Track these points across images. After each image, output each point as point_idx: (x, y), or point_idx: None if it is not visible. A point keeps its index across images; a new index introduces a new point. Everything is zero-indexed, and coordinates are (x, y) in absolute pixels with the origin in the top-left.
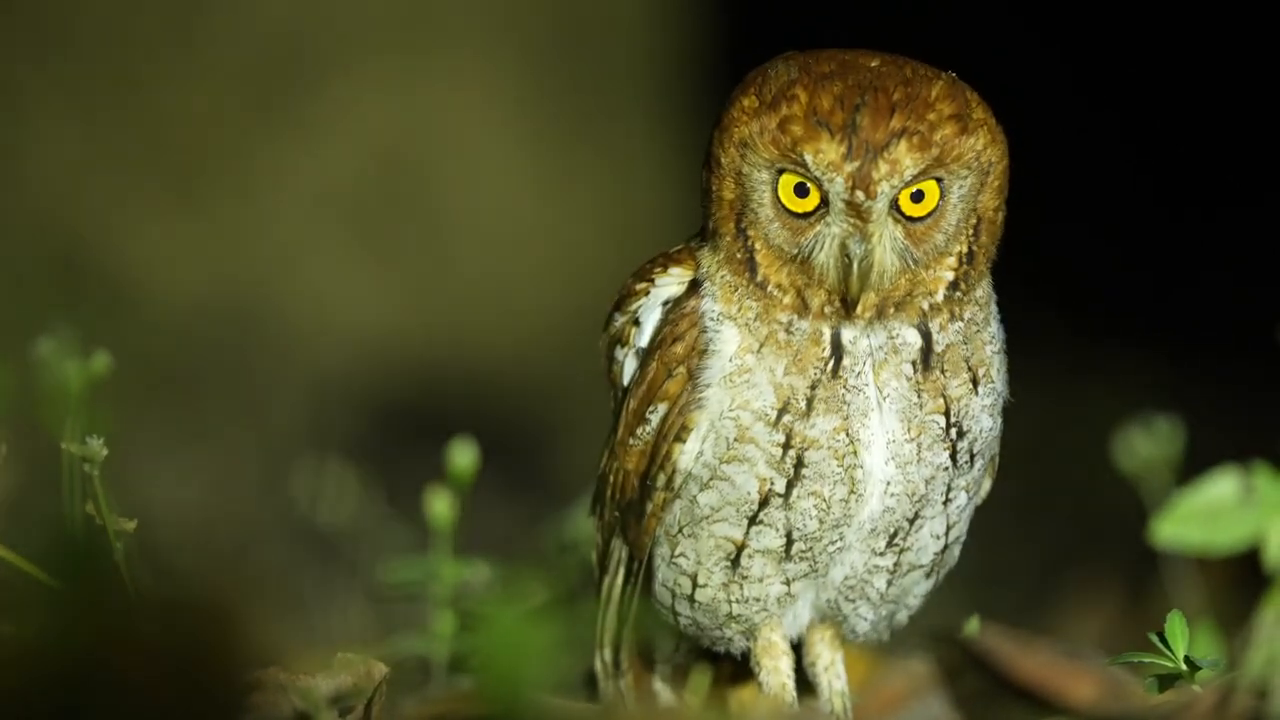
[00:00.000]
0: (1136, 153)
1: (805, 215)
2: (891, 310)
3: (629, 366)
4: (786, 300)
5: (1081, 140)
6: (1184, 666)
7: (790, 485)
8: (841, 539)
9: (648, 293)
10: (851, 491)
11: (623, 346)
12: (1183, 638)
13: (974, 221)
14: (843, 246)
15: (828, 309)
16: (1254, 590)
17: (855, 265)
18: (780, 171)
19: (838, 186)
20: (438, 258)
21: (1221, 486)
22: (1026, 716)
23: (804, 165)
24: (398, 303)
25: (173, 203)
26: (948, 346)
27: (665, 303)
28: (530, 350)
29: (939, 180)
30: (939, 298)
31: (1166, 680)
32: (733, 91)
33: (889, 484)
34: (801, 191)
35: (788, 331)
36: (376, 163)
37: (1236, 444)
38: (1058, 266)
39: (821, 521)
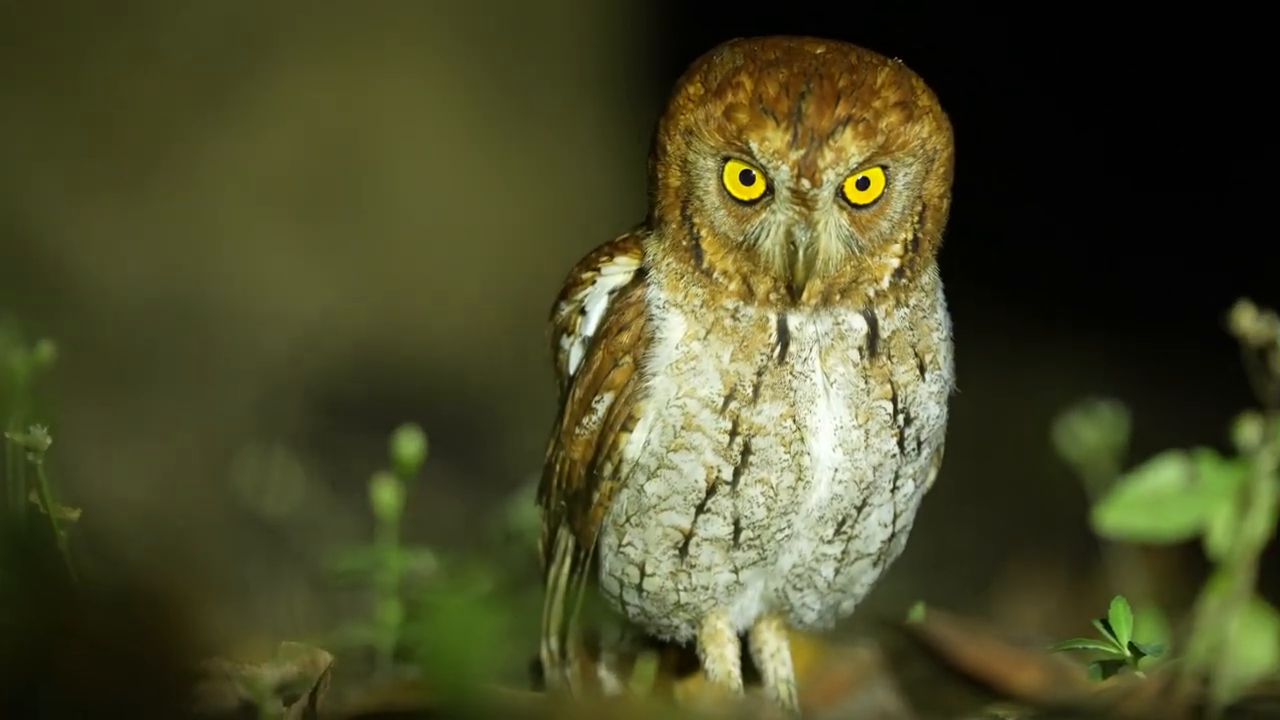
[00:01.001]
0: (1083, 139)
1: (751, 202)
2: (837, 297)
3: (575, 355)
4: (732, 287)
5: (1029, 127)
6: (1128, 653)
7: (738, 473)
8: (790, 527)
9: (594, 282)
10: (799, 479)
11: (569, 335)
12: (1126, 624)
13: (919, 209)
14: (788, 234)
15: (773, 296)
16: (1197, 577)
17: (801, 252)
18: (726, 159)
19: (783, 174)
20: (382, 247)
21: (1166, 473)
22: (972, 703)
23: (749, 153)
24: (343, 292)
25: (117, 191)
26: (894, 333)
27: (611, 292)
28: (474, 338)
29: (884, 168)
30: (884, 284)
31: (1110, 666)
32: (678, 79)
33: (836, 471)
34: (747, 179)
35: (734, 318)
36: (321, 151)
37: (1180, 431)
38: (1003, 252)
39: (769, 509)
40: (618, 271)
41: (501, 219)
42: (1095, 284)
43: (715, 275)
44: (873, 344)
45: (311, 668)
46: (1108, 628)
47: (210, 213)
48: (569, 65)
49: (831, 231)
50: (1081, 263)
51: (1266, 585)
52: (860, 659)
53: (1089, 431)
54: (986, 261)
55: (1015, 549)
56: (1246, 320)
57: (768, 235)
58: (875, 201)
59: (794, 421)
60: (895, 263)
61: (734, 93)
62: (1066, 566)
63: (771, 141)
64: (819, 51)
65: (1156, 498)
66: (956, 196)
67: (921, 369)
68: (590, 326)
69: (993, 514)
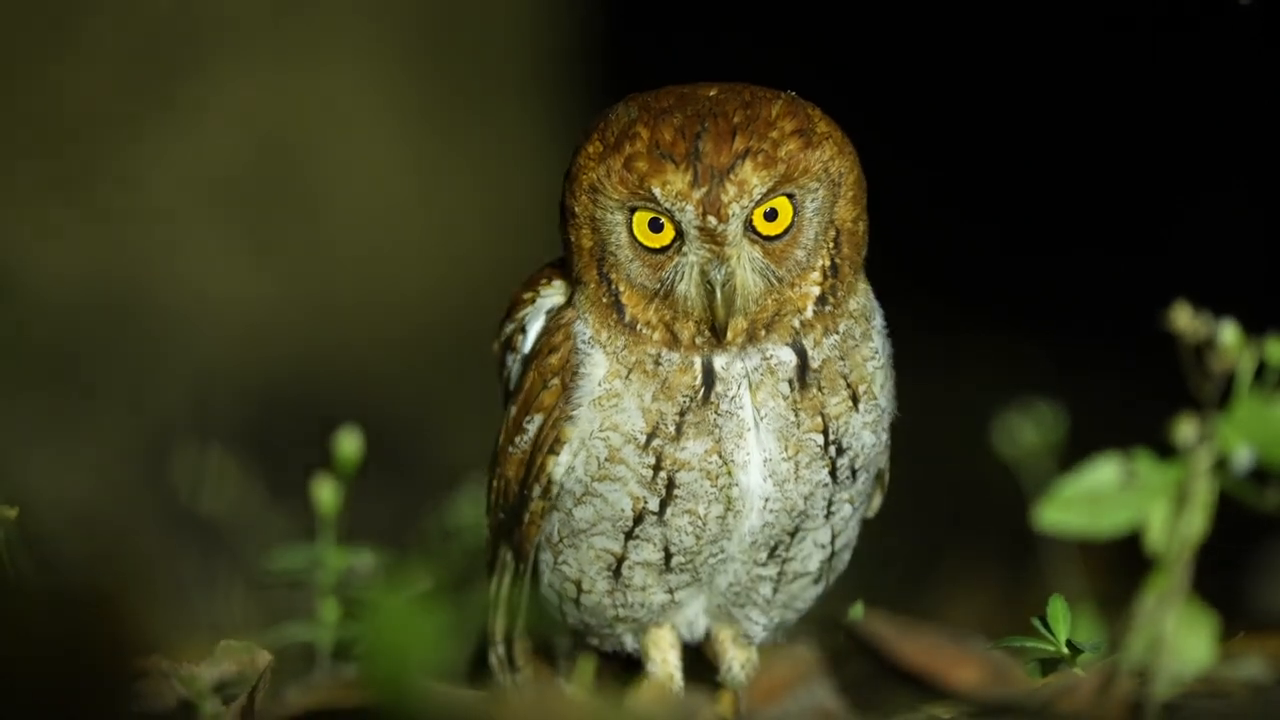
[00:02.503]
0: (1014, 135)
1: (663, 250)
2: (762, 332)
3: (516, 373)
4: (656, 336)
5: (959, 124)
6: (1065, 650)
7: (664, 504)
8: (722, 552)
9: (533, 301)
10: (728, 509)
11: (512, 353)
12: (1064, 621)
13: (833, 234)
14: (703, 273)
15: (698, 340)
16: (1134, 574)
17: (718, 290)
18: (633, 210)
19: (689, 214)
20: (318, 243)
21: (1104, 471)
22: (911, 701)
23: (654, 199)
24: (278, 289)
25: (51, 190)
26: (824, 362)
27: (549, 311)
28: (413, 337)
29: (790, 196)
30: (808, 314)
31: (1048, 664)
32: (578, 141)
33: (767, 500)
34: (656, 226)
35: (656, 362)
36: (256, 148)
37: (1117, 430)
38: (936, 250)
39: (698, 538)
40: (555, 293)
41: (441, 219)
42: (1032, 280)
43: (639, 328)
44: (803, 375)
45: (250, 667)
46: (1045, 625)
47: (146, 211)
48: (505, 60)
49: (746, 265)
50: (1018, 259)
51: (1203, 583)
52: (800, 657)
53: (1026, 430)
54: (921, 257)
55: (952, 547)
56: (1183, 319)
57: (683, 278)
58: (786, 231)
59: (720, 457)
60: (816, 290)
61: (631, 143)
62: (1003, 565)
63: (673, 184)
64: (711, 94)
65: (1094, 495)
66: (890, 193)
67: (854, 399)
68: (528, 344)
69: (929, 512)
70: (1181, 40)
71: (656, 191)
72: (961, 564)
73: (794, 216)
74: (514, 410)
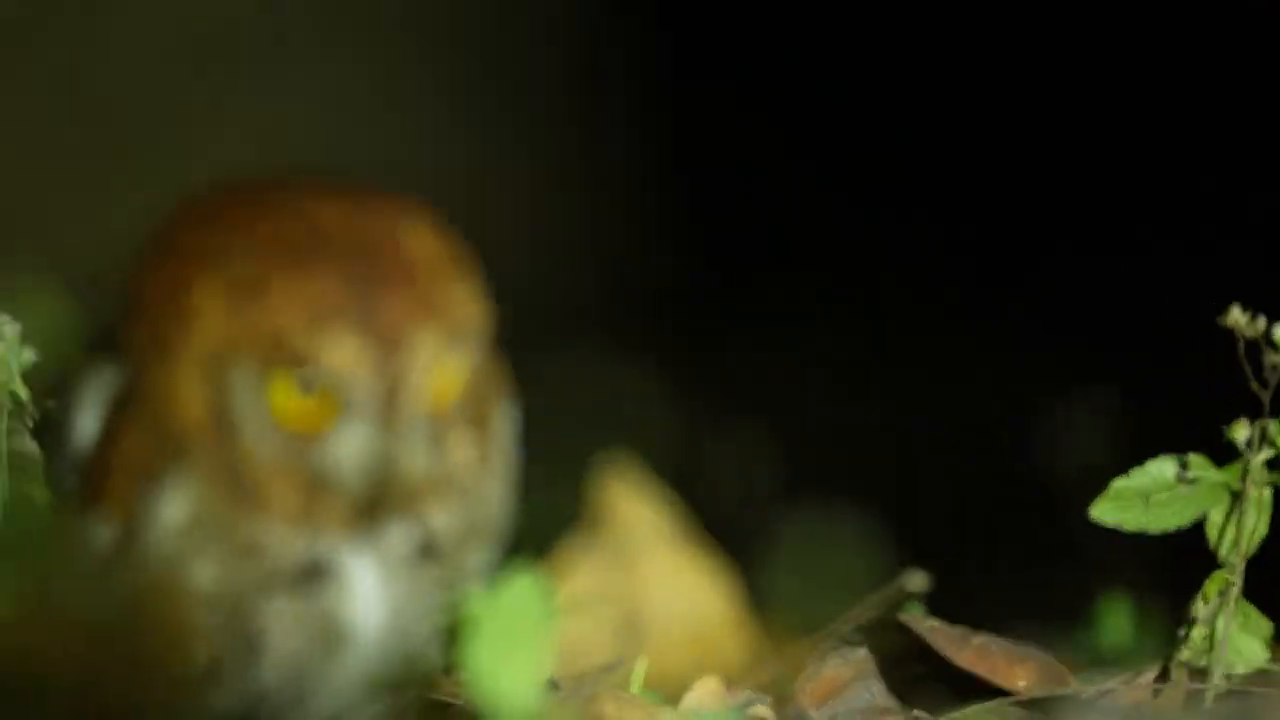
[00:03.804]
0: (1030, 140)
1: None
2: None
3: None
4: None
5: (963, 127)
6: (1121, 647)
7: None
8: None
9: None
10: None
11: None
12: (1118, 619)
13: None
14: None
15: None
16: (1185, 574)
17: None
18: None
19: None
20: None
21: (1159, 468)
22: (967, 699)
23: None
24: None
25: (81, 190)
26: None
27: None
28: None
29: None
30: None
31: (1103, 661)
32: None
33: None
34: None
35: None
36: (287, 150)
37: (1167, 430)
38: (972, 238)
39: None
40: None
41: (474, 218)
42: (1073, 278)
43: None
44: None
45: None
46: (1099, 623)
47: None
48: (522, 69)
49: None
50: (1061, 255)
51: (1257, 583)
52: (858, 658)
53: (1073, 429)
54: (966, 255)
55: (996, 547)
56: (1236, 317)
57: None
58: None
59: None
60: None
61: None
62: (1050, 565)
63: None
64: None
65: (1151, 493)
66: (925, 175)
67: None
68: None
69: (972, 512)
70: (1184, 46)
71: None
72: (1010, 565)
73: None
74: None
